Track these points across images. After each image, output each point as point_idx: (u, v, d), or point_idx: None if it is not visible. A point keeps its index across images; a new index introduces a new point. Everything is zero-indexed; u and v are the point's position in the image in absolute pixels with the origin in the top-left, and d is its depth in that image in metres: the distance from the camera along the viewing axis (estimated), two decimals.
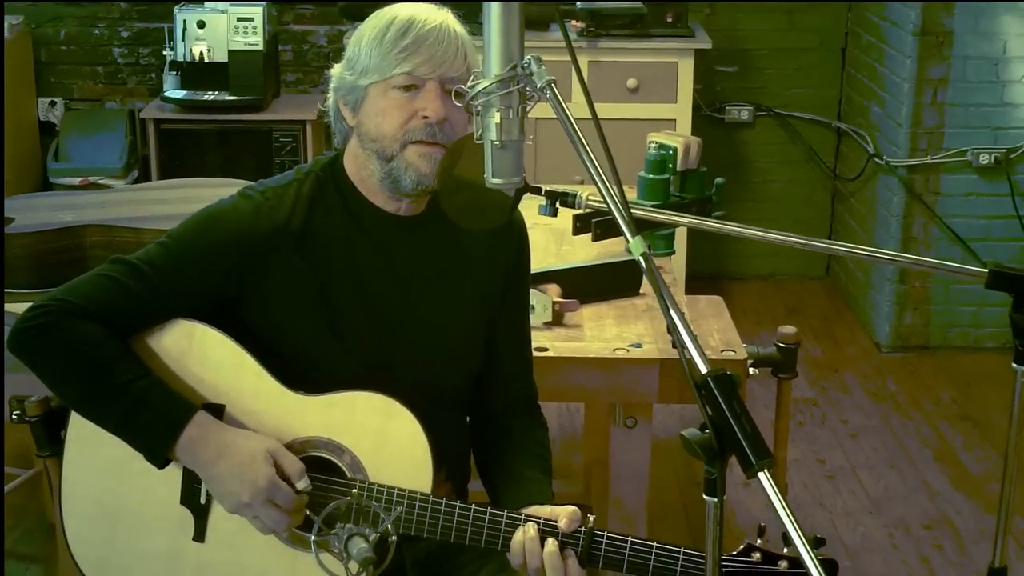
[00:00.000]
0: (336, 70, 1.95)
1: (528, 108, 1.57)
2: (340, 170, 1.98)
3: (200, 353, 1.91)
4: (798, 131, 5.45)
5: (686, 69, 4.76)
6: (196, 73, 4.93)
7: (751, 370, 2.64)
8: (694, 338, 1.41)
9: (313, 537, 1.64)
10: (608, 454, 3.69)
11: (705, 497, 1.42)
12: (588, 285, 2.80)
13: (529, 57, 1.54)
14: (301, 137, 4.96)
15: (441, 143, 1.87)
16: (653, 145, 3.13)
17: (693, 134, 3.79)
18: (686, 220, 1.86)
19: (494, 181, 1.59)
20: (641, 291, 2.88)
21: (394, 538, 1.67)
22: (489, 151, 1.58)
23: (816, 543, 1.80)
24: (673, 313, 1.41)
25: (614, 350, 2.58)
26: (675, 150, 3.12)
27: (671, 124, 4.75)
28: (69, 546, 1.95)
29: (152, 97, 5.30)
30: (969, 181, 4.70)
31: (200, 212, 1.96)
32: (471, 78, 1.58)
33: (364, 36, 1.91)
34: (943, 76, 4.59)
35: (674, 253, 3.15)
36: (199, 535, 1.91)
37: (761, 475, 1.34)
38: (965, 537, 3.62)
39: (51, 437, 2.29)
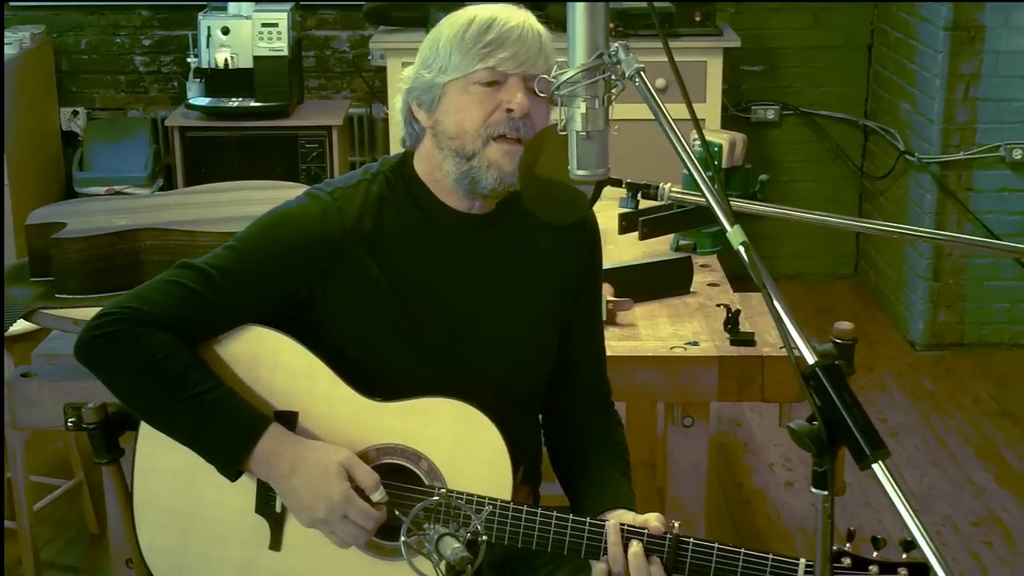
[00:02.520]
0: (408, 72, 1.92)
1: (614, 97, 1.53)
2: (410, 170, 1.94)
3: (271, 360, 1.87)
4: (825, 129, 5.41)
5: (715, 68, 4.73)
6: (221, 80, 4.90)
7: None
8: (799, 328, 1.38)
9: (403, 539, 1.61)
10: (653, 455, 3.68)
11: (814, 490, 1.38)
12: (639, 284, 2.77)
13: (616, 45, 1.50)
14: (327, 143, 4.93)
15: (523, 140, 1.83)
16: (697, 142, 3.10)
17: None
18: (779, 211, 1.83)
19: (579, 173, 1.55)
20: (692, 289, 2.85)
21: (484, 538, 1.64)
22: (574, 142, 1.54)
23: (907, 546, 1.77)
24: (777, 303, 1.37)
25: (671, 348, 2.55)
26: (720, 147, 3.08)
27: (700, 124, 4.72)
28: (143, 555, 1.92)
29: (175, 105, 5.28)
30: (1002, 177, 4.66)
31: (268, 214, 1.92)
32: (555, 68, 1.55)
33: (442, 35, 1.87)
34: (975, 71, 4.56)
35: (720, 250, 3.12)
36: (275, 544, 1.88)
37: (876, 467, 1.31)
38: (1015, 533, 3.58)
39: (109, 444, 2.26)
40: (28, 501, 3.32)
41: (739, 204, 1.86)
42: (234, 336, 1.87)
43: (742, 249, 1.40)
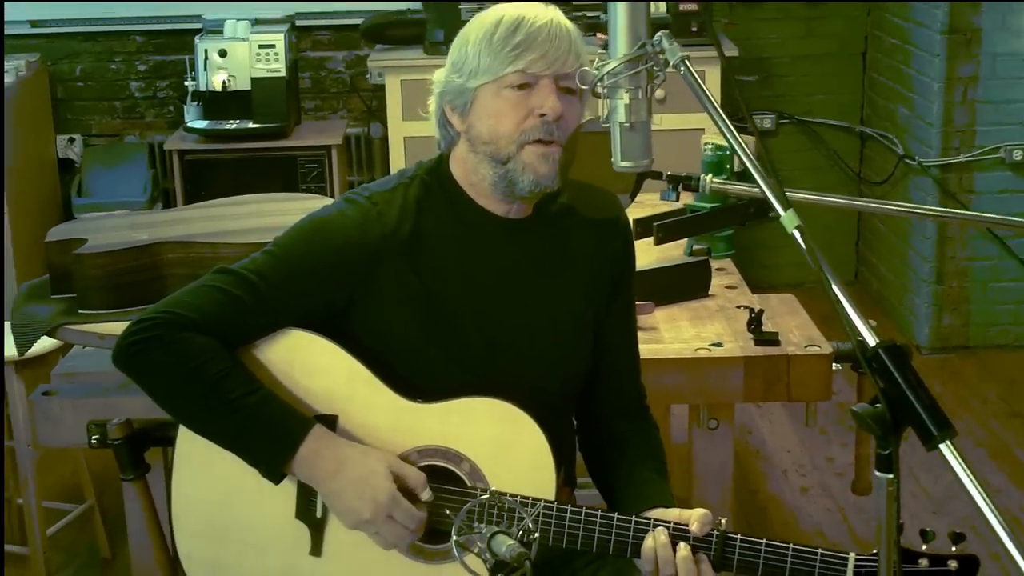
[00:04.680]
0: (439, 75, 1.89)
1: (657, 86, 1.53)
2: (446, 173, 1.92)
3: (310, 363, 1.86)
4: (821, 137, 5.43)
5: (713, 78, 4.74)
6: (219, 102, 4.89)
7: (834, 365, 2.60)
8: (857, 311, 1.37)
9: (455, 538, 1.59)
10: (668, 462, 3.66)
11: (877, 473, 1.37)
12: (658, 287, 2.75)
13: (660, 34, 1.50)
14: (326, 162, 4.92)
15: (558, 142, 1.82)
16: (709, 146, 3.09)
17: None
18: (850, 202, 1.82)
19: (623, 164, 1.55)
20: (710, 292, 2.84)
21: (536, 535, 1.62)
22: (617, 133, 1.54)
23: (956, 538, 1.76)
24: (835, 287, 1.37)
25: (696, 350, 2.54)
26: (732, 150, 3.08)
27: (700, 134, 4.72)
28: (183, 565, 1.90)
29: (171, 130, 5.26)
30: (1003, 178, 4.68)
31: (307, 220, 1.91)
32: (596, 60, 1.54)
33: (470, 38, 1.85)
34: (972, 74, 4.57)
35: (734, 253, 3.11)
36: (316, 550, 1.86)
37: (943, 448, 1.30)
38: None
39: (135, 460, 2.24)
40: (41, 526, 3.29)
41: (791, 194, 1.86)
42: (272, 340, 1.86)
43: (797, 233, 1.39)
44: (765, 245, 5.46)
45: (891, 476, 1.35)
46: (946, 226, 4.72)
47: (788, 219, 1.39)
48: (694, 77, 1.47)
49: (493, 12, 1.86)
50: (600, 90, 1.54)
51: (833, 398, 2.88)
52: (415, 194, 1.90)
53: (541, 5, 1.86)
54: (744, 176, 3.14)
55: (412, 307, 1.87)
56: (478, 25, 1.86)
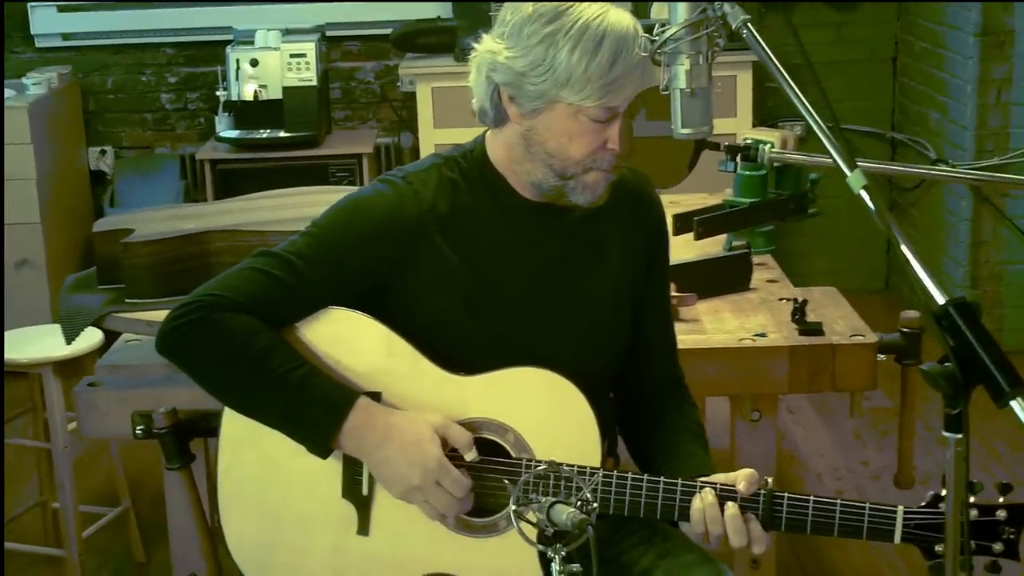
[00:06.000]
0: (502, 57, 1.79)
1: (717, 52, 1.52)
2: (482, 155, 1.91)
3: (352, 340, 1.86)
4: (852, 143, 5.41)
5: (744, 82, 4.74)
6: (250, 112, 4.90)
7: (878, 356, 2.59)
8: (926, 269, 1.36)
9: (513, 507, 1.58)
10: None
11: (946, 434, 1.36)
12: (700, 280, 2.74)
13: None
14: (358, 171, 4.93)
15: (617, 167, 1.84)
16: (748, 141, 3.08)
17: None
18: (910, 169, 1.80)
19: (683, 131, 1.54)
20: (752, 286, 2.83)
21: (595, 505, 1.60)
22: (678, 100, 1.53)
23: (1003, 489, 1.77)
24: (904, 246, 1.36)
25: (740, 340, 2.52)
26: (772, 145, 3.06)
27: (732, 139, 4.71)
28: (230, 551, 1.89)
29: (202, 142, 5.29)
30: None
31: (344, 201, 1.91)
32: (656, 26, 1.54)
33: (561, 43, 1.74)
34: (1006, 76, 4.56)
35: (774, 248, 3.10)
36: (363, 528, 1.85)
37: (1014, 404, 1.28)
38: None
39: (181, 449, 2.23)
40: (77, 529, 3.29)
41: (867, 165, 1.85)
42: (314, 319, 1.86)
43: (864, 193, 1.39)
44: (798, 252, 5.44)
45: (959, 436, 1.33)
46: (980, 229, 4.69)
47: (855, 179, 1.39)
48: (757, 40, 1.46)
49: (595, 23, 1.74)
50: (660, 57, 1.53)
51: (865, 404, 2.86)
52: (449, 175, 1.89)
53: (627, 17, 1.77)
54: (782, 173, 3.12)
55: (451, 283, 1.87)
56: (576, 32, 1.74)
